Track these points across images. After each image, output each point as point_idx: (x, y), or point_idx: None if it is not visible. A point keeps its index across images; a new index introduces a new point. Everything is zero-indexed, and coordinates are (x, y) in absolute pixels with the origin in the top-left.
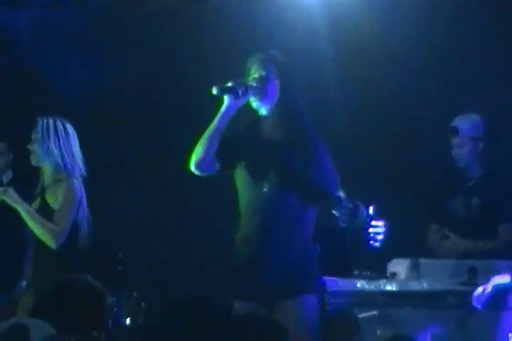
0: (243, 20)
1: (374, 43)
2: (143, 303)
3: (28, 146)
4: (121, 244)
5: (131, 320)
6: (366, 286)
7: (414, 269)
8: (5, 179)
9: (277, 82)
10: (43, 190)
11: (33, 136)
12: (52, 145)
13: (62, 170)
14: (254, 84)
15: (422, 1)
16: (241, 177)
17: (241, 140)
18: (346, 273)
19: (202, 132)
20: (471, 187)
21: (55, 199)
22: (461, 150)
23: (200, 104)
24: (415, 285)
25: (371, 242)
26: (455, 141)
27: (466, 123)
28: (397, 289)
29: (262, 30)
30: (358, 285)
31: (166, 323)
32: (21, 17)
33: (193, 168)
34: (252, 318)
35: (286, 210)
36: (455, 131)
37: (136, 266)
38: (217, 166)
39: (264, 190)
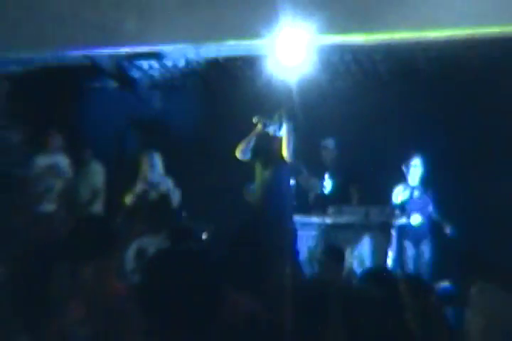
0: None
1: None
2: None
3: None
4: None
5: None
6: (316, 220)
7: (338, 212)
8: None
9: (286, 125)
10: None
11: None
12: None
13: None
14: (274, 123)
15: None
16: (258, 164)
17: (261, 145)
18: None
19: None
20: None
21: None
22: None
23: None
24: (340, 220)
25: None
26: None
27: (330, 143)
28: (331, 222)
29: None
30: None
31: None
32: None
33: (237, 155)
34: None
35: (278, 184)
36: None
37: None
38: (249, 156)
39: (267, 173)
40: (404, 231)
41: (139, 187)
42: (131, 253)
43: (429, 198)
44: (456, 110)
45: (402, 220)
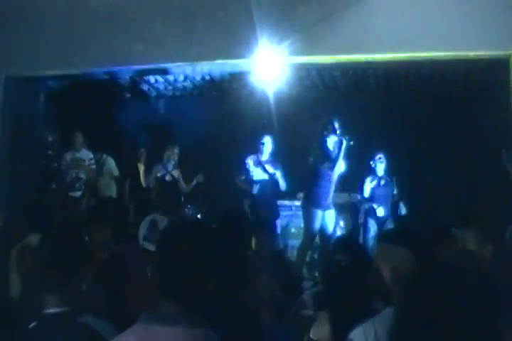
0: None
1: None
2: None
3: None
4: None
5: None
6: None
7: None
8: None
9: None
10: None
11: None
12: None
13: None
14: None
15: None
16: None
17: None
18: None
19: None
20: None
21: None
22: None
23: None
24: None
25: None
26: None
27: None
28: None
29: None
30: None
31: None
32: None
33: None
34: None
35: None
36: None
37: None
38: None
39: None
40: (369, 211)
41: (158, 171)
42: (145, 223)
43: (392, 185)
44: (403, 113)
45: (368, 203)
